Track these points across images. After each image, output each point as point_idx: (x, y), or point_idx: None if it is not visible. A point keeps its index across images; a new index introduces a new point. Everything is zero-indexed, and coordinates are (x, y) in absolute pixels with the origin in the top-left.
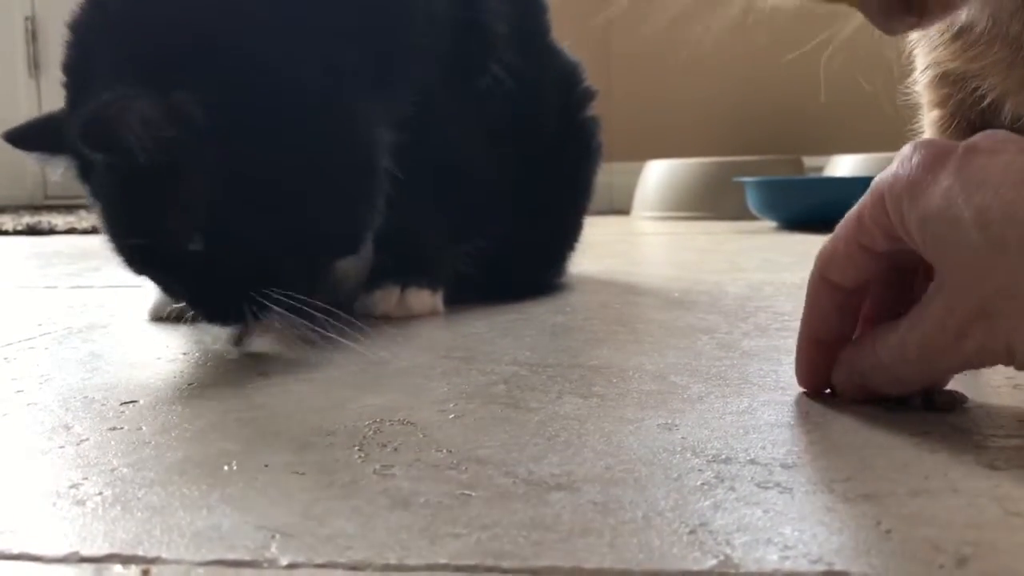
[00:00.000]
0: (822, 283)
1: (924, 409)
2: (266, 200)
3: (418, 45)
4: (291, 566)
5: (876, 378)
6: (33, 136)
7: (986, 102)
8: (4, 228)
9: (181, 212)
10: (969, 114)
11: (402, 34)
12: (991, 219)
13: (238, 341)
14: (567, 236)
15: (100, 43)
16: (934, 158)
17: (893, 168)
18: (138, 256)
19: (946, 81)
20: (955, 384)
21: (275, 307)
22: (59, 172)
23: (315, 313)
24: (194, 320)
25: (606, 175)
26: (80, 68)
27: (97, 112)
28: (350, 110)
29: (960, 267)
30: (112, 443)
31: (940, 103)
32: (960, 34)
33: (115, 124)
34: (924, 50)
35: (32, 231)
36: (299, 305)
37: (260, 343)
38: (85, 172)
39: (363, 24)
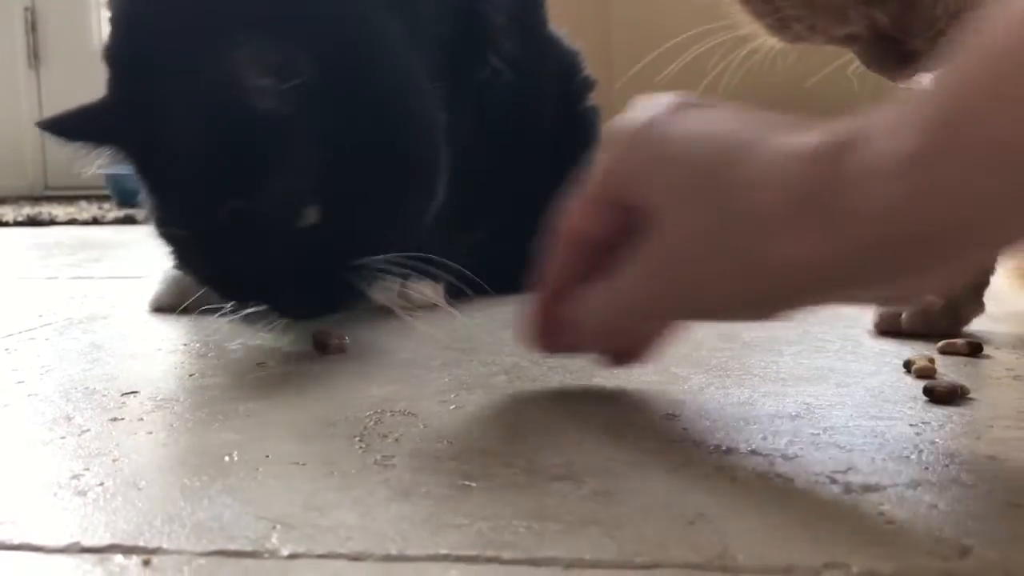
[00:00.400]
0: (564, 234)
1: (925, 400)
2: (374, 163)
3: (424, 33)
4: (292, 556)
5: (580, 337)
6: (73, 125)
7: None
8: (4, 219)
9: (294, 177)
10: None
11: (411, 22)
12: (699, 164)
13: (323, 347)
14: None
15: (159, 23)
16: (667, 107)
17: (627, 113)
18: (222, 244)
19: None
20: (956, 375)
21: (382, 272)
22: (95, 165)
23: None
24: (283, 320)
25: None
26: (131, 52)
27: (223, 60)
28: (419, 76)
29: (665, 214)
30: (113, 434)
31: None
32: None
33: (243, 71)
34: None
35: (32, 222)
36: (401, 266)
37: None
38: (144, 161)
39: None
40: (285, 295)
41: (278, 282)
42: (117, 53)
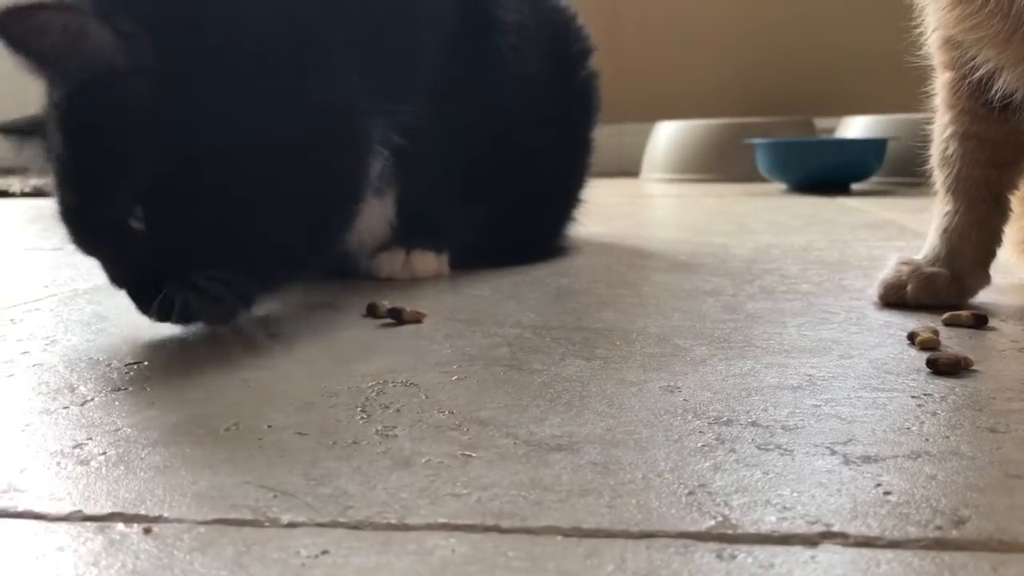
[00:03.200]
0: None
1: (928, 372)
2: (226, 174)
3: (424, 10)
4: (291, 525)
5: None
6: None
7: (979, 72)
8: (12, 190)
9: (118, 175)
10: (970, 78)
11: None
12: None
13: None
14: (570, 197)
15: None
16: None
17: None
18: (77, 225)
19: (951, 44)
20: (960, 347)
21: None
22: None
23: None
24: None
25: (615, 136)
26: None
27: (19, 6)
28: (332, 80)
29: None
30: (116, 403)
31: (950, 65)
32: (960, 1)
33: (31, 21)
34: (933, 10)
35: (40, 193)
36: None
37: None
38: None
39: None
40: (136, 294)
41: (129, 281)
42: None
